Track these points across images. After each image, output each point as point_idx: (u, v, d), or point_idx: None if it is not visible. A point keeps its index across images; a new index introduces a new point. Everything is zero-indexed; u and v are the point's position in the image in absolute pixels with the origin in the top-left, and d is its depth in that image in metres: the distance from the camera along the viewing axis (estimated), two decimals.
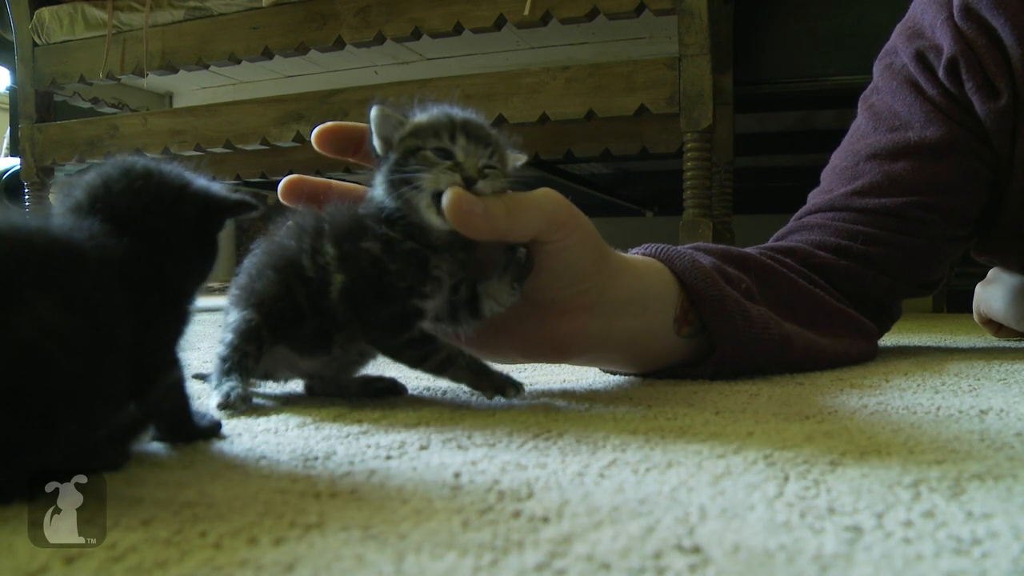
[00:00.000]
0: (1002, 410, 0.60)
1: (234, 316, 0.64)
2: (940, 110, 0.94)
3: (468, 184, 0.57)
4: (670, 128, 1.59)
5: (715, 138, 1.55)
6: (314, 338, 0.63)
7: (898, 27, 1.02)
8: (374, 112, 0.59)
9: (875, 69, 1.02)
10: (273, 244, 0.65)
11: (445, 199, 0.56)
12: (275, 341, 0.63)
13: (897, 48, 0.99)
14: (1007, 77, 0.91)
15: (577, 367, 0.87)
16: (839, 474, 0.42)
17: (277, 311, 0.63)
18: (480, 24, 1.58)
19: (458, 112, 0.60)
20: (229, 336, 0.63)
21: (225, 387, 0.61)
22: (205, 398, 0.68)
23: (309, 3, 1.73)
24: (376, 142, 0.61)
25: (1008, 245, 1.02)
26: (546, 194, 0.62)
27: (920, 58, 0.96)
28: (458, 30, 1.60)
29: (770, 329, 0.77)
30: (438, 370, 0.61)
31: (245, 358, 0.62)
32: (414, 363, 0.61)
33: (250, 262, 0.65)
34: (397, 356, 0.62)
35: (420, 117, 0.60)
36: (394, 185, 0.59)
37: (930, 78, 0.95)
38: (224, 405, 0.59)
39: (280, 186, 0.67)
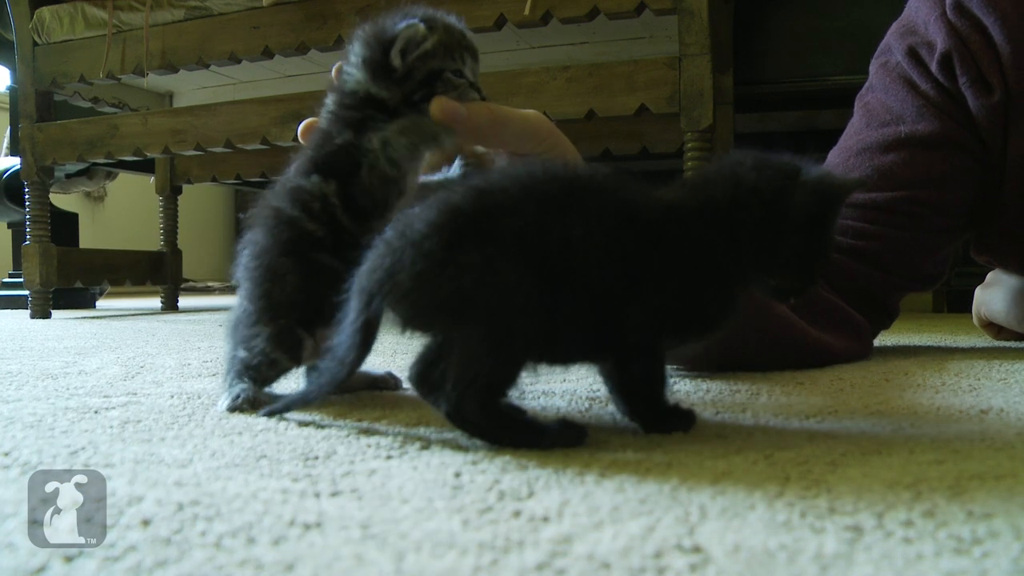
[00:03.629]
0: (1002, 410, 0.60)
1: (261, 328, 0.63)
2: (933, 104, 0.94)
3: (481, 98, 0.65)
4: (670, 128, 1.59)
5: (715, 138, 1.54)
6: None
7: (893, 26, 1.02)
8: (410, 32, 0.62)
9: (871, 68, 1.03)
10: (267, 236, 0.63)
11: (433, 107, 0.62)
12: (313, 330, 0.63)
13: (891, 46, 1.00)
14: (999, 74, 0.91)
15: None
16: (840, 474, 0.42)
17: (309, 306, 0.62)
18: (480, 24, 1.58)
19: (451, 21, 0.65)
20: (260, 344, 0.62)
21: (236, 389, 0.62)
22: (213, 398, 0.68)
23: (309, 3, 1.73)
24: (396, 58, 0.63)
25: (1006, 245, 1.02)
26: (531, 112, 0.67)
27: (912, 54, 0.96)
28: None
29: (753, 303, 0.77)
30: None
31: (272, 366, 0.63)
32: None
33: (255, 265, 0.64)
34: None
35: (432, 36, 0.63)
36: (413, 102, 0.63)
37: (923, 73, 0.95)
38: (233, 407, 0.61)
39: (300, 128, 0.69)
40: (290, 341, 0.62)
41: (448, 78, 0.63)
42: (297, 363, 0.64)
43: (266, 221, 0.64)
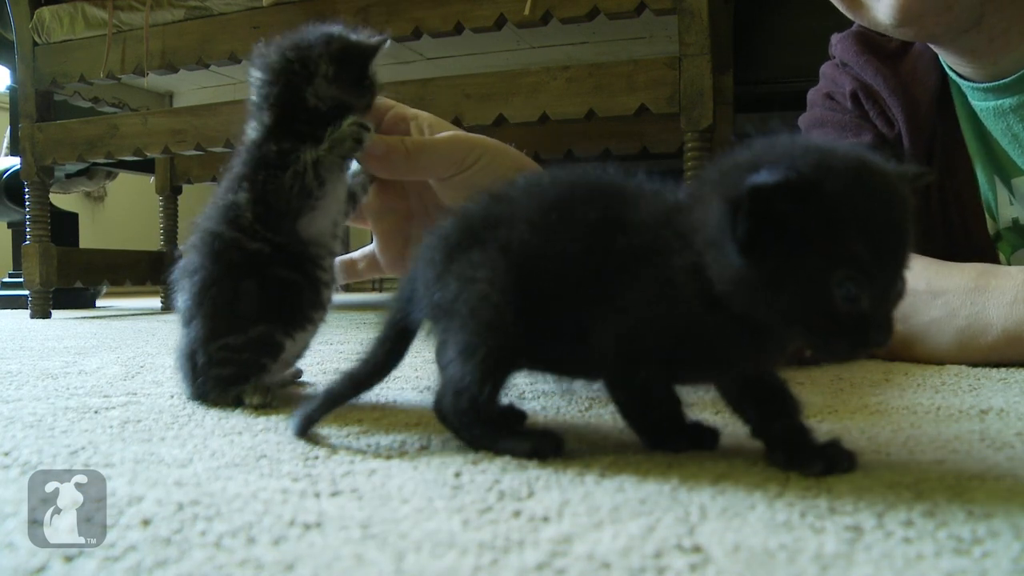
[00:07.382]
0: (1002, 410, 0.60)
1: (233, 339, 0.63)
2: (863, 120, 1.06)
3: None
4: (670, 128, 1.59)
5: (715, 138, 1.54)
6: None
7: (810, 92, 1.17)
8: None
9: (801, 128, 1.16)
10: (205, 259, 0.63)
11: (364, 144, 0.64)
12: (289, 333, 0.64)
13: (812, 102, 1.15)
14: (895, 114, 1.04)
15: None
16: (840, 474, 0.42)
17: (274, 312, 0.63)
18: (480, 24, 1.58)
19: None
20: (244, 354, 0.63)
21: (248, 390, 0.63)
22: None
23: (309, 2, 1.73)
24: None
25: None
26: (447, 141, 0.68)
27: (829, 96, 1.11)
28: (458, 30, 1.60)
29: None
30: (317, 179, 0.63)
31: (261, 369, 0.64)
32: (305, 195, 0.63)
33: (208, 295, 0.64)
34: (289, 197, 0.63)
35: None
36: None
37: (841, 107, 1.09)
38: (264, 404, 0.62)
39: None
40: (271, 343, 0.63)
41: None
42: (274, 363, 0.64)
43: (208, 247, 0.63)
